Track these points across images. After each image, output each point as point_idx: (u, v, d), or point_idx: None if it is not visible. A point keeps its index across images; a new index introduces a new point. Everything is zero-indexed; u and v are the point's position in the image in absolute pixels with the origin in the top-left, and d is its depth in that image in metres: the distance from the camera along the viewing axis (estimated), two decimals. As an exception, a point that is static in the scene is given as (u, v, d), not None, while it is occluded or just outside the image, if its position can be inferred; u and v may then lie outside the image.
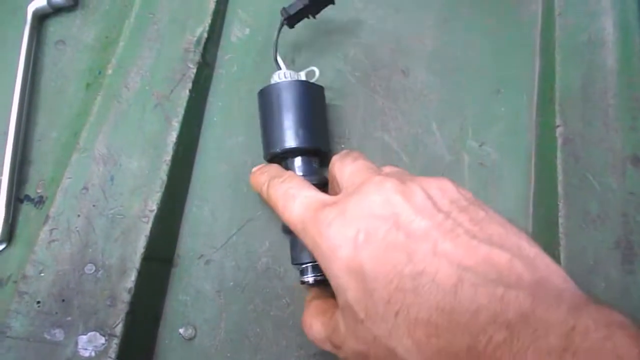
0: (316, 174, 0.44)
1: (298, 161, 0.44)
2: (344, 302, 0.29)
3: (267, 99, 0.44)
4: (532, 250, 0.27)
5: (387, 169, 0.36)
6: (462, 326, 0.24)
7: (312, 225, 0.31)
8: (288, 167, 0.44)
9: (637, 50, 0.48)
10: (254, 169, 0.43)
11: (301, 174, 0.43)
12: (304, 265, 0.41)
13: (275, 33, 0.46)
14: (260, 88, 0.45)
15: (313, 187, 0.35)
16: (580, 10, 0.50)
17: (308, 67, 0.46)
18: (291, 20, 0.47)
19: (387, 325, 0.27)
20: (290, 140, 0.42)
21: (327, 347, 0.34)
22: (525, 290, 0.24)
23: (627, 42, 0.48)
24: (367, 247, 0.28)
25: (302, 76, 0.45)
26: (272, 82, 0.45)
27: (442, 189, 0.31)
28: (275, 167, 0.41)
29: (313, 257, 0.37)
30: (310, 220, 0.32)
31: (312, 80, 0.45)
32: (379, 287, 0.27)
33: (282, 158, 0.44)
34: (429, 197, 0.29)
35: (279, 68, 0.45)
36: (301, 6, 0.46)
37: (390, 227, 0.28)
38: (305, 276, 0.41)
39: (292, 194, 0.35)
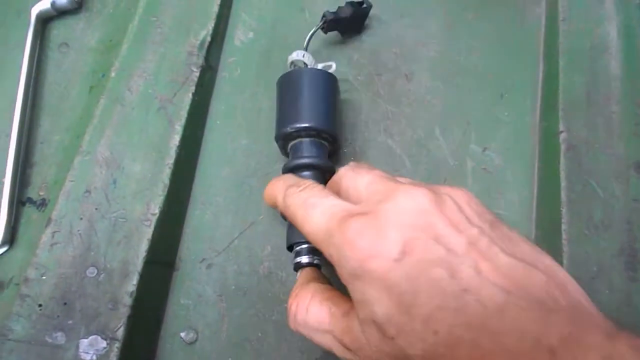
0: (327, 160, 0.43)
1: (311, 142, 0.43)
2: (370, 315, 0.27)
3: (291, 80, 0.45)
4: (560, 270, 0.27)
5: (403, 180, 0.34)
6: (508, 349, 0.23)
7: (339, 235, 0.28)
8: (299, 148, 0.43)
9: (640, 56, 0.48)
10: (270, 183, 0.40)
11: (313, 155, 0.43)
12: (299, 247, 0.40)
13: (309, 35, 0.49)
14: (269, 84, 0.46)
15: (335, 195, 0.33)
16: (584, 15, 0.50)
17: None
18: (329, 26, 0.49)
19: (423, 345, 0.25)
20: (313, 120, 0.42)
21: (323, 339, 0.32)
22: (564, 314, 0.24)
23: (630, 47, 0.48)
24: (405, 260, 0.26)
25: (319, 66, 0.47)
26: (290, 59, 0.47)
27: (469, 201, 0.29)
28: (291, 176, 0.39)
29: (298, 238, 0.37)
30: (337, 230, 0.29)
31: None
32: (418, 304, 0.25)
33: (294, 138, 0.44)
34: (461, 209, 0.28)
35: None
36: (341, 16, 0.49)
37: (429, 239, 0.26)
38: (299, 257, 0.40)
39: (312, 202, 0.32)
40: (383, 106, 0.51)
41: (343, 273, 0.29)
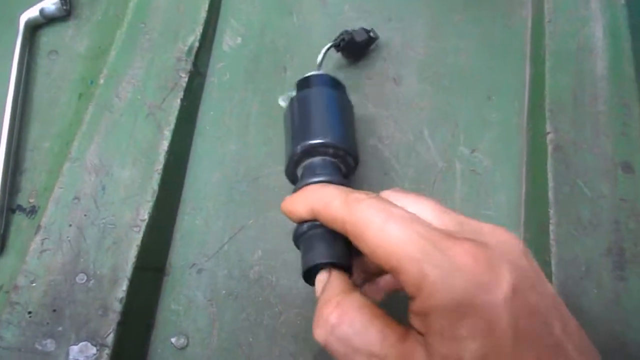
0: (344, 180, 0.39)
1: (326, 162, 0.39)
2: (457, 353, 0.24)
3: (319, 91, 0.42)
4: None
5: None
6: None
7: (444, 258, 0.25)
8: (310, 167, 0.39)
9: (627, 56, 0.48)
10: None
11: (330, 173, 0.38)
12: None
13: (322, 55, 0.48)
14: (258, 89, 0.45)
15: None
16: (569, 16, 0.50)
17: (300, 75, 0.46)
18: (343, 47, 0.50)
19: None
20: (342, 139, 0.39)
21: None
22: None
23: (616, 48, 0.49)
24: (514, 301, 0.24)
25: None
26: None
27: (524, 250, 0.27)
28: (332, 186, 0.33)
29: (331, 257, 0.32)
30: (440, 251, 0.25)
31: None
32: (516, 351, 0.23)
33: (305, 156, 0.39)
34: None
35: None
36: (356, 39, 0.50)
37: (530, 284, 0.25)
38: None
39: (399, 214, 0.27)
40: (371, 110, 0.51)
41: (433, 300, 0.24)
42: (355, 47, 0.51)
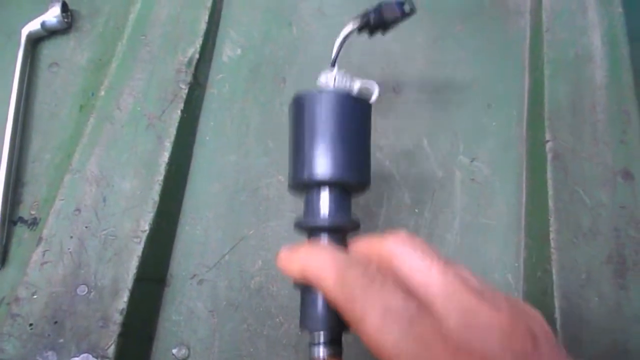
0: (351, 216, 0.36)
1: (335, 196, 0.35)
2: None
3: (317, 108, 0.35)
4: None
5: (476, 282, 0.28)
6: None
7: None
8: (317, 203, 0.35)
9: (625, 64, 0.48)
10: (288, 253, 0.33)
11: (338, 214, 0.35)
12: (315, 333, 0.33)
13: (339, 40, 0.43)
14: (257, 100, 0.45)
15: (412, 298, 0.27)
16: (567, 25, 0.51)
17: (300, 85, 0.46)
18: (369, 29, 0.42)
19: None
20: (346, 170, 0.34)
21: None
22: None
23: (615, 56, 0.49)
24: None
25: (355, 89, 0.40)
26: (322, 83, 0.39)
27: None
28: (328, 253, 0.31)
29: (328, 323, 0.32)
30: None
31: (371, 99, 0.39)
32: None
33: (310, 186, 0.36)
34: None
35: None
36: (385, 17, 0.42)
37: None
38: (315, 348, 0.32)
39: (392, 308, 0.26)
40: (371, 119, 0.51)
41: None
42: (382, 26, 0.43)
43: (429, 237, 0.47)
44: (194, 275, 0.45)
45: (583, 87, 0.48)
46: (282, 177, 0.49)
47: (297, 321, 0.43)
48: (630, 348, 0.39)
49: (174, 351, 0.43)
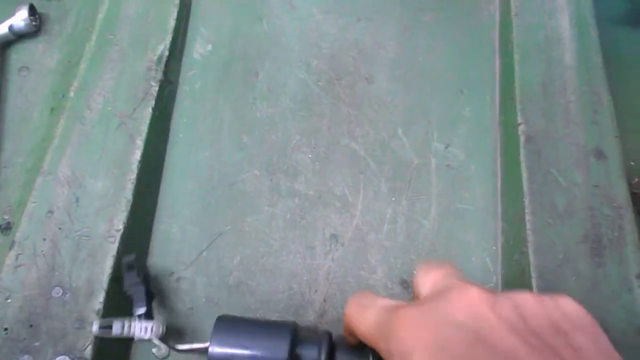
0: None
1: None
2: None
3: None
4: None
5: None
6: None
7: (385, 328, 0.28)
8: None
9: (594, 45, 0.49)
10: None
11: None
12: None
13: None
14: (229, 96, 0.44)
15: (387, 298, 0.32)
16: (536, 9, 0.51)
17: (273, 79, 0.46)
18: None
19: None
20: None
21: None
22: None
23: (583, 38, 0.49)
24: (443, 357, 0.25)
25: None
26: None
27: (540, 306, 0.27)
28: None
29: None
30: (385, 323, 0.29)
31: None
32: None
33: None
34: (521, 313, 0.26)
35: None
36: None
37: (472, 339, 0.25)
38: None
39: (364, 303, 0.32)
40: (345, 110, 0.51)
41: None
42: None
43: (407, 224, 0.47)
44: (172, 273, 0.45)
45: (553, 69, 0.48)
46: (258, 172, 0.49)
47: (278, 315, 0.43)
48: (609, 325, 0.39)
49: (154, 350, 0.42)
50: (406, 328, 0.27)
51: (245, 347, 0.36)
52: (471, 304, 0.26)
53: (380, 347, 0.29)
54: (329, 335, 0.37)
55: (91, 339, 0.38)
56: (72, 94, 0.48)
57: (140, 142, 0.45)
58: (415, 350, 0.25)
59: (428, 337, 0.26)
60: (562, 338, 0.25)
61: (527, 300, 0.27)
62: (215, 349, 0.36)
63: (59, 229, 0.42)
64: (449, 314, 0.26)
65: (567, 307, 0.27)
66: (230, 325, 0.37)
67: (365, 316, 0.31)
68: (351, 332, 0.33)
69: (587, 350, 0.25)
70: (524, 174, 0.44)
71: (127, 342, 0.42)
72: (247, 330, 0.37)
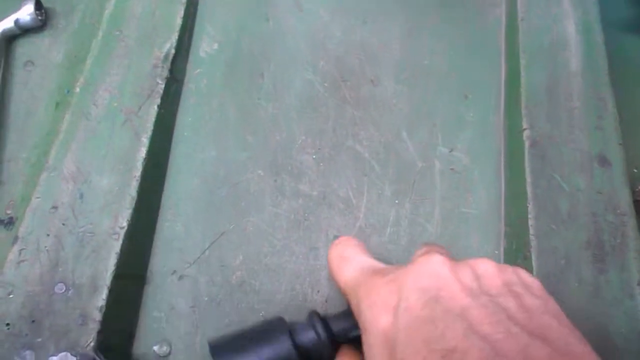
0: None
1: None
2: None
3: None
4: (580, 347, 0.26)
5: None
6: None
7: (361, 290, 0.31)
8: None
9: (600, 50, 0.49)
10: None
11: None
12: None
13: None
14: (235, 95, 0.44)
15: (367, 252, 0.36)
16: (542, 13, 0.51)
17: (279, 79, 0.46)
18: None
19: None
20: None
21: None
22: None
23: (589, 43, 0.49)
24: (404, 316, 0.27)
25: None
26: None
27: (496, 271, 0.30)
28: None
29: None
30: (361, 285, 0.31)
31: None
32: (406, 358, 0.26)
33: None
34: (478, 276, 0.29)
35: None
36: None
37: (430, 299, 0.27)
38: None
39: (346, 256, 0.35)
40: (350, 111, 0.51)
41: (361, 328, 0.30)
42: None
43: (410, 227, 0.47)
44: (174, 271, 0.45)
45: (559, 74, 0.48)
46: (262, 172, 0.49)
47: (280, 316, 0.43)
48: (611, 331, 0.39)
49: (155, 348, 0.42)
50: (378, 294, 0.29)
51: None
52: (433, 268, 0.29)
53: (352, 302, 0.32)
54: (316, 313, 0.38)
55: (93, 335, 0.38)
56: (77, 89, 0.48)
57: (145, 140, 0.45)
58: (383, 313, 0.28)
59: (395, 302, 0.28)
60: (514, 299, 0.27)
61: (485, 264, 0.30)
62: None
63: (63, 224, 0.42)
64: (415, 280, 0.29)
65: (522, 274, 0.30)
66: (227, 346, 0.36)
67: (343, 272, 0.34)
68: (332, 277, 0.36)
69: (537, 310, 0.27)
70: (528, 179, 0.44)
71: (129, 340, 0.42)
72: (245, 344, 0.36)
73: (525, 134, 0.46)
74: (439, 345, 0.25)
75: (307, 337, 0.36)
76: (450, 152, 0.49)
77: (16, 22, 0.53)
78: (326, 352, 0.36)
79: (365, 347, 0.30)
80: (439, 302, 0.27)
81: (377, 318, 0.28)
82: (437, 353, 0.25)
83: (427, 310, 0.27)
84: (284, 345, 0.35)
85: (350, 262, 0.34)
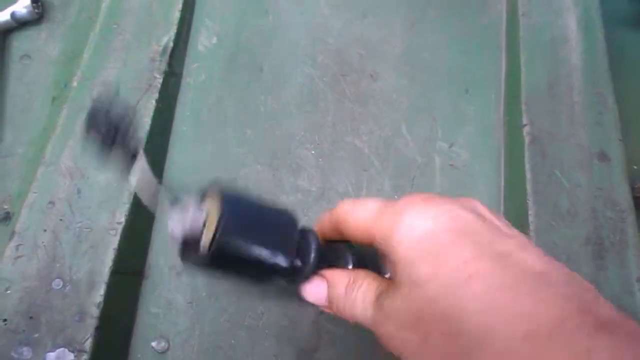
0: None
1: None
2: (411, 277, 0.27)
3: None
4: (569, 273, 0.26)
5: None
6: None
7: (387, 217, 0.29)
8: None
9: (600, 46, 0.49)
10: None
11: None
12: None
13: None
14: (234, 89, 0.44)
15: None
16: (543, 9, 0.51)
17: (278, 73, 0.46)
18: None
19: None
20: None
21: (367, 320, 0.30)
22: (557, 295, 0.24)
23: (590, 39, 0.49)
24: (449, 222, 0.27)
25: None
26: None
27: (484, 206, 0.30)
28: None
29: None
30: (385, 213, 0.29)
31: None
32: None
33: None
34: (476, 210, 0.29)
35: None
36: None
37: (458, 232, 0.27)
38: None
39: (363, 202, 0.31)
40: (349, 106, 0.51)
41: (389, 245, 0.28)
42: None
43: (409, 223, 0.47)
44: (173, 267, 0.45)
45: (559, 70, 0.48)
46: (260, 167, 0.48)
47: (279, 310, 0.43)
48: (610, 328, 0.39)
49: (153, 344, 0.42)
50: (411, 239, 0.27)
51: (256, 241, 0.30)
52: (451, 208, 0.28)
53: (377, 240, 0.29)
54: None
55: (91, 331, 0.38)
56: (75, 83, 0.47)
57: (143, 135, 0.45)
58: (417, 256, 0.27)
59: (427, 245, 0.27)
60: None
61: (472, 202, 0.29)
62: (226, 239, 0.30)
63: (60, 220, 0.42)
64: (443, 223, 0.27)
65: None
66: (240, 206, 0.32)
67: (364, 210, 0.31)
68: (337, 229, 0.32)
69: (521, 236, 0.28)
70: (528, 175, 0.44)
71: (127, 336, 0.42)
72: (257, 217, 0.32)
73: (526, 129, 0.45)
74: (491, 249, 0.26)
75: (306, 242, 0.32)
76: (450, 147, 0.49)
77: (12, 14, 0.53)
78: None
79: (401, 252, 0.28)
80: (464, 233, 0.27)
81: (412, 261, 0.27)
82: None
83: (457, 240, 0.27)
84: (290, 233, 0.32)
85: (369, 203, 0.31)
